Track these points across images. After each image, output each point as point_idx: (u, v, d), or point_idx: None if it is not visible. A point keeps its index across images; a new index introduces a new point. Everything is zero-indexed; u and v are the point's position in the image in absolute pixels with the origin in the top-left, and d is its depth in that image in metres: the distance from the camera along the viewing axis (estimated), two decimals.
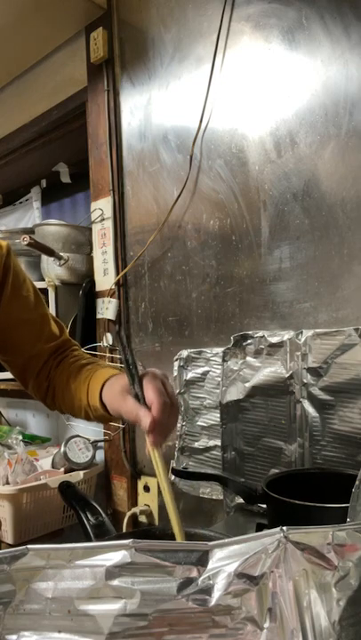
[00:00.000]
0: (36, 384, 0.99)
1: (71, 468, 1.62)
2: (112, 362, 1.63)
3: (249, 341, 1.23)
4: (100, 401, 0.86)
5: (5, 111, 2.07)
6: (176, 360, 1.41)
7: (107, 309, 1.63)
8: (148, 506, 1.57)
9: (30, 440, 1.93)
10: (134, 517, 1.58)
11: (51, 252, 1.72)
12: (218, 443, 1.30)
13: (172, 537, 0.75)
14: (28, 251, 1.73)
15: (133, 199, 1.60)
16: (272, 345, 1.18)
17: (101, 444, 1.70)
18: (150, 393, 0.74)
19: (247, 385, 1.22)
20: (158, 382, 0.77)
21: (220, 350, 1.30)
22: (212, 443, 1.34)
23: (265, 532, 0.44)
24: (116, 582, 0.42)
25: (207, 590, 0.42)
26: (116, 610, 0.41)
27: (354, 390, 1.06)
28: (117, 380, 0.86)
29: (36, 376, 0.97)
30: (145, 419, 0.73)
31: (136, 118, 1.59)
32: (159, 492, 1.54)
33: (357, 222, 1.11)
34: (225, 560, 0.43)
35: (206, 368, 1.35)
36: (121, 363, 1.59)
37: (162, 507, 1.54)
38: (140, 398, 0.76)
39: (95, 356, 1.55)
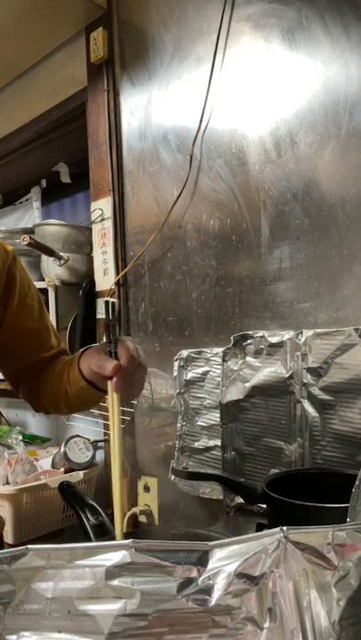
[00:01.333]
0: (26, 387, 1.00)
1: (71, 467, 1.61)
2: None
3: (249, 341, 1.23)
4: (79, 368, 0.87)
5: (5, 111, 2.07)
6: (176, 360, 1.41)
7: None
8: (148, 506, 1.57)
9: (30, 440, 1.93)
10: (134, 517, 1.58)
11: (51, 252, 1.72)
12: (218, 443, 1.30)
13: (173, 537, 0.75)
14: (28, 251, 1.73)
15: (133, 199, 1.60)
16: (272, 345, 1.18)
17: (101, 444, 1.70)
18: (121, 349, 0.78)
19: (247, 385, 1.22)
20: (131, 344, 0.81)
21: (220, 350, 1.30)
22: (212, 443, 1.34)
23: (265, 532, 0.44)
24: (116, 582, 0.42)
25: (207, 590, 0.42)
26: (116, 610, 0.41)
27: (354, 390, 1.05)
28: (95, 347, 0.89)
29: (28, 380, 0.98)
30: (109, 364, 0.77)
31: (136, 118, 1.59)
32: (159, 492, 1.54)
33: (357, 222, 1.11)
34: (225, 560, 0.43)
35: (206, 368, 1.35)
36: None
37: (162, 507, 1.54)
38: (112, 355, 0.79)
39: None
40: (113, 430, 0.76)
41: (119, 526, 0.74)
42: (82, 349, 0.91)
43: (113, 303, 0.83)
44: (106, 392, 0.85)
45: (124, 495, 0.75)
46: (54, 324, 1.77)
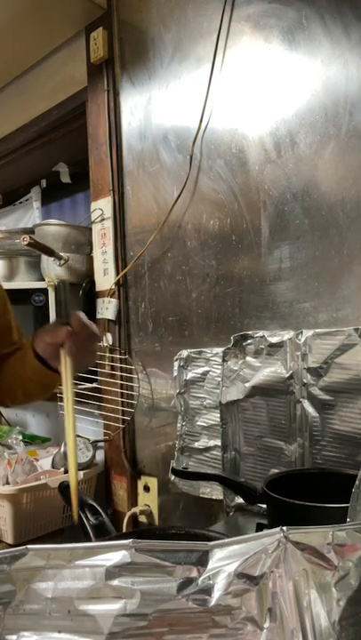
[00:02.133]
0: None
1: None
2: (112, 361, 1.63)
3: (249, 341, 1.23)
4: (33, 350, 0.88)
5: (5, 111, 2.07)
6: (176, 360, 1.41)
7: (107, 309, 1.63)
8: (148, 506, 1.57)
9: (30, 440, 1.93)
10: (134, 517, 1.58)
11: (51, 252, 1.72)
12: (218, 443, 1.30)
13: (172, 537, 0.75)
14: (28, 251, 1.73)
15: (133, 199, 1.60)
16: (272, 345, 1.18)
17: (101, 443, 1.70)
18: (73, 317, 0.81)
19: (247, 385, 1.22)
20: (84, 315, 0.82)
21: (220, 350, 1.30)
22: (212, 443, 1.34)
23: (265, 532, 0.44)
24: (116, 582, 0.42)
25: (207, 590, 0.42)
26: (116, 610, 0.41)
27: (354, 390, 1.05)
28: (47, 325, 0.90)
29: None
30: (62, 330, 0.79)
31: (136, 118, 1.59)
32: (159, 492, 1.54)
33: (357, 222, 1.11)
34: (225, 560, 0.43)
35: (206, 368, 1.35)
36: (121, 363, 1.59)
37: (162, 507, 1.54)
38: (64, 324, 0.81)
39: None
40: (67, 397, 0.77)
41: (75, 500, 0.74)
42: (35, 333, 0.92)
43: (65, 285, 0.85)
44: (59, 373, 0.85)
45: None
46: None
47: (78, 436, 1.65)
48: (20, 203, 2.54)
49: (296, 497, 0.85)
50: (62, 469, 1.62)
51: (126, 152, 1.62)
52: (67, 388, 0.79)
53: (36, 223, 2.09)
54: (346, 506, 0.64)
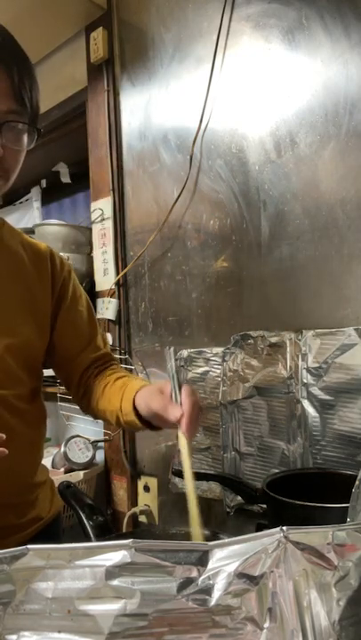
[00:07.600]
0: (75, 388, 1.05)
1: (71, 467, 1.61)
2: None
3: (249, 341, 1.23)
4: (133, 405, 0.91)
5: None
6: (176, 360, 1.41)
7: (107, 309, 1.63)
8: (148, 506, 1.57)
9: None
10: (134, 517, 1.58)
11: None
12: (218, 443, 1.30)
13: (172, 537, 0.75)
14: None
15: (133, 199, 1.60)
16: (272, 345, 1.18)
17: (101, 444, 1.70)
18: (184, 394, 0.83)
19: (247, 385, 1.22)
20: (191, 390, 0.85)
21: (220, 350, 1.30)
22: (212, 443, 1.34)
23: (265, 532, 0.44)
24: (116, 582, 0.42)
25: (207, 590, 0.42)
26: (116, 610, 0.41)
27: (354, 390, 1.05)
28: (154, 384, 0.92)
29: (78, 381, 1.03)
30: (176, 411, 0.81)
31: (136, 118, 1.59)
32: (159, 492, 1.54)
33: (357, 222, 1.11)
34: (225, 560, 0.43)
35: (206, 368, 1.35)
36: (121, 363, 1.59)
37: (162, 507, 1.54)
38: (175, 398, 0.83)
39: None
40: (187, 477, 0.81)
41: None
42: (139, 386, 0.95)
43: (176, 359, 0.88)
44: (155, 428, 0.90)
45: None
46: None
47: (78, 435, 1.65)
48: (20, 203, 2.54)
49: (296, 497, 0.85)
50: (62, 469, 1.62)
51: (126, 152, 1.62)
52: (186, 466, 0.81)
53: (36, 223, 2.09)
54: (346, 506, 0.64)
